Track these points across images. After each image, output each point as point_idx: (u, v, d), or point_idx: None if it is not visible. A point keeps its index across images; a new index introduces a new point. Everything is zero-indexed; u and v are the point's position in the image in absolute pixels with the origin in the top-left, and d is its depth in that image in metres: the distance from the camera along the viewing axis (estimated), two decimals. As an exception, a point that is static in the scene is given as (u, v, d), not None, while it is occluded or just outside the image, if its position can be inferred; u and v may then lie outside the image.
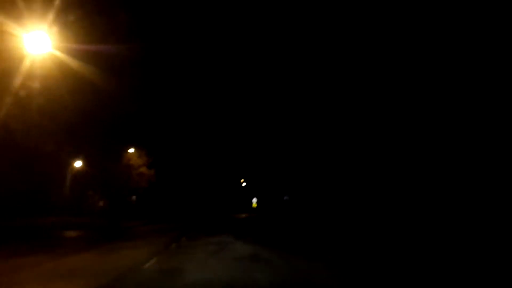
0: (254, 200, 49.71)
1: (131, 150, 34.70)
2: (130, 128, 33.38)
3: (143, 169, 34.70)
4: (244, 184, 63.29)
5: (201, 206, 45.89)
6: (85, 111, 22.91)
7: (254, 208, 51.95)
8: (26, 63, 10.77)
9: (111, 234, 22.19)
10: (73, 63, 12.38)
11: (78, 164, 38.54)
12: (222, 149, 46.74)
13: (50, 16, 11.14)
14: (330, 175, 29.87)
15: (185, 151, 41.24)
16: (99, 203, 39.44)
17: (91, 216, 36.08)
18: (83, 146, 30.04)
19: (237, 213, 52.59)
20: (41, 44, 9.99)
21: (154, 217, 37.41)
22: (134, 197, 38.44)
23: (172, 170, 40.02)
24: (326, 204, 29.55)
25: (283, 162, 36.42)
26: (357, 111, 28.04)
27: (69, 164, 38.46)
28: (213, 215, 44.25)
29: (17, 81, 12.20)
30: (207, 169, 47.34)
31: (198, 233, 21.06)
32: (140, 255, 11.40)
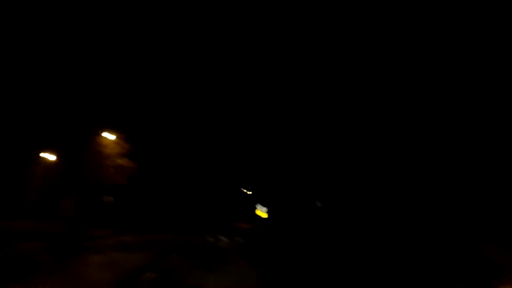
0: (264, 210, 39.87)
1: (105, 135, 26.25)
2: (103, 103, 25.10)
3: (122, 161, 26.25)
4: (249, 192, 54.59)
5: (194, 210, 37.02)
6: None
7: (262, 218, 42.50)
8: None
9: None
10: None
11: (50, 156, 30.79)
12: (224, 139, 37.90)
13: None
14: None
15: (176, 138, 32.36)
16: (65, 203, 30.93)
17: (61, 220, 28.21)
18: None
19: (242, 222, 43.79)
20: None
21: (133, 223, 28.79)
22: (111, 198, 29.83)
23: (159, 163, 31.15)
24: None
25: (311, 155, 27.45)
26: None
27: (37, 155, 30.61)
28: (209, 222, 35.58)
29: None
30: (204, 164, 38.37)
31: (186, 259, 12.51)
32: None
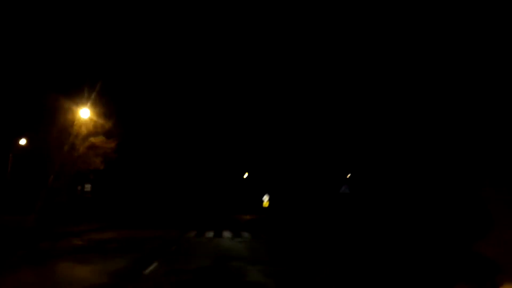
0: (266, 198, 34.92)
1: (82, 111, 21.09)
2: (74, 65, 20.15)
3: (98, 140, 21.34)
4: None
5: (189, 199, 32.01)
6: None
7: (265, 208, 37.50)
8: None
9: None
10: None
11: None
12: (221, 119, 32.90)
13: None
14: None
15: (166, 114, 27.02)
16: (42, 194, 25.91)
17: (38, 213, 23.60)
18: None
19: (240, 214, 39.26)
20: None
21: (115, 216, 23.99)
22: (88, 186, 24.93)
23: (144, 142, 25.89)
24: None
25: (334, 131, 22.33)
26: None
27: (10, 140, 25.81)
28: (205, 216, 30.82)
29: None
30: (200, 146, 33.17)
31: (171, 277, 7.64)
32: None
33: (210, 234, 17.14)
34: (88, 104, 20.88)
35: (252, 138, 42.37)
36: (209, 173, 42.55)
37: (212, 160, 42.32)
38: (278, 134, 35.63)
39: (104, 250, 10.97)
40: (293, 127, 30.28)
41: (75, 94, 20.89)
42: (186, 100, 34.50)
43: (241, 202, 48.61)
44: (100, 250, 10.84)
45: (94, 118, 20.94)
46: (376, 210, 18.71)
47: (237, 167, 49.43)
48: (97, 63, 21.57)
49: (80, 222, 22.34)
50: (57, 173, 21.89)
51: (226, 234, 17.18)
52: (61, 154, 21.17)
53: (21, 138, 25.23)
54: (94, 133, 20.96)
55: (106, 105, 21.36)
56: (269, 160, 36.72)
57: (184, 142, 31.52)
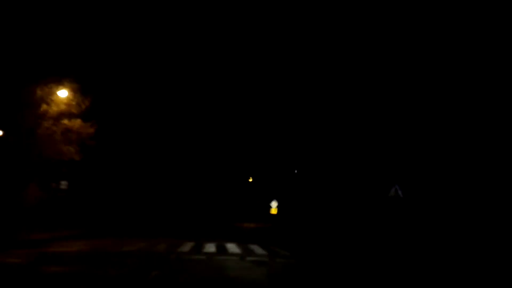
0: (275, 205, 30.01)
1: (61, 92, 16.92)
2: (46, 37, 16.13)
3: (73, 123, 17.09)
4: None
5: (183, 203, 27.58)
6: None
7: (273, 215, 32.54)
8: None
9: None
10: None
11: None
12: (224, 116, 28.79)
13: None
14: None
15: (163, 105, 22.56)
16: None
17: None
18: None
19: (244, 222, 35.03)
20: None
21: (99, 221, 19.59)
22: (64, 183, 20.52)
23: (134, 131, 21.27)
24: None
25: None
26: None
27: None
28: (204, 222, 26.54)
29: None
30: (197, 141, 28.78)
31: None
32: None
33: (211, 247, 12.81)
34: (61, 77, 16.71)
35: (258, 139, 38.32)
36: (210, 175, 38.48)
37: (213, 161, 38.29)
38: (288, 132, 31.50)
39: (30, 282, 6.52)
40: (307, 122, 26.22)
41: (45, 64, 16.71)
42: (187, 94, 30.56)
43: (245, 208, 44.62)
44: (21, 284, 6.39)
45: (68, 94, 16.72)
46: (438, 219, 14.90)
47: (241, 170, 45.39)
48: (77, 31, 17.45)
49: (53, 227, 18.14)
50: (20, 164, 17.59)
51: (232, 248, 12.86)
52: (25, 140, 16.94)
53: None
54: (68, 113, 16.72)
55: (85, 79, 17.15)
56: (278, 163, 32.51)
57: (182, 137, 27.33)
